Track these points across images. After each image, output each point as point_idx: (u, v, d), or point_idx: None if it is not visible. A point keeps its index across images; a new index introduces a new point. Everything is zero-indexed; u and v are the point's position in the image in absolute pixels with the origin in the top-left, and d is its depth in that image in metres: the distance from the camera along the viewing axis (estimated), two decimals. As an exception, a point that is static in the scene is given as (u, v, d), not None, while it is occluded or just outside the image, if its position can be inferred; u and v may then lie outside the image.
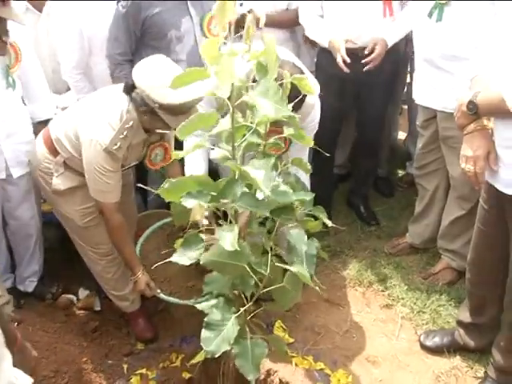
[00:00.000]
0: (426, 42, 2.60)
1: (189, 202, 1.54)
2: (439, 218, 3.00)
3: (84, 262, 2.64)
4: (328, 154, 2.14)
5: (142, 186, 2.01)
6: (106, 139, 2.19)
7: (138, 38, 2.75)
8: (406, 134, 4.17)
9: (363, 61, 2.87)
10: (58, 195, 2.45)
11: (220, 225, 1.63)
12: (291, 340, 2.61)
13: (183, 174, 2.47)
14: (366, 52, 2.87)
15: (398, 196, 3.84)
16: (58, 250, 3.08)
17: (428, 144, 2.89)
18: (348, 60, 2.82)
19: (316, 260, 1.69)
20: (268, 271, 1.57)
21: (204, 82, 1.57)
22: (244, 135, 1.57)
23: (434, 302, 2.85)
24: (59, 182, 2.41)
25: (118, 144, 2.20)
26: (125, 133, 2.21)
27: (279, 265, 1.56)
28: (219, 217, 1.70)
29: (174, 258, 1.59)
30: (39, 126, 2.67)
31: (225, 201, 1.54)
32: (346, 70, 2.84)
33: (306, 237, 1.66)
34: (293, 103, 1.66)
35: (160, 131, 2.22)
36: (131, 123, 2.21)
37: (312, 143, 1.79)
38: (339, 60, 2.85)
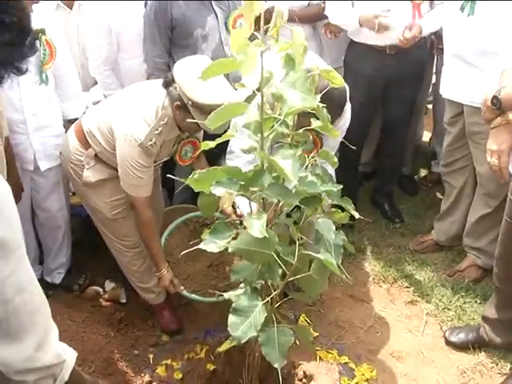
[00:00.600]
0: (456, 36, 2.60)
1: (218, 190, 1.56)
2: (465, 215, 3.00)
3: (110, 254, 2.68)
4: (355, 149, 2.14)
5: (171, 176, 2.03)
6: (141, 135, 2.22)
7: (170, 37, 2.78)
8: (430, 134, 4.15)
9: (398, 38, 2.84)
10: (88, 187, 2.48)
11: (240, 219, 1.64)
12: (315, 334, 2.62)
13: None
14: (403, 30, 2.85)
15: (422, 195, 3.83)
16: (85, 243, 3.13)
17: (455, 141, 2.88)
18: (387, 23, 2.80)
19: (342, 252, 1.71)
20: (295, 260, 1.58)
21: (239, 92, 1.60)
22: (272, 126, 1.59)
23: (459, 299, 2.84)
24: (90, 175, 2.45)
25: (153, 140, 2.23)
26: (160, 129, 2.24)
27: (307, 252, 1.57)
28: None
29: (203, 246, 1.60)
30: (69, 123, 2.71)
31: (254, 189, 1.56)
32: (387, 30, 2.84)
33: (334, 226, 1.67)
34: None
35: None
36: (166, 120, 2.25)
37: (339, 136, 1.80)
38: (379, 24, 2.83)
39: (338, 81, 1.70)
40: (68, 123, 2.72)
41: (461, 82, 2.63)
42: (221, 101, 2.07)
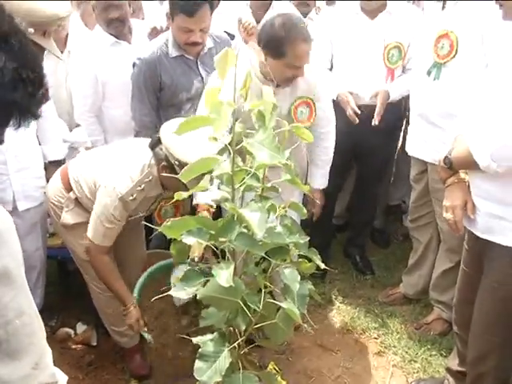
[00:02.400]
0: (422, 98, 2.75)
1: (189, 239, 1.64)
2: (432, 269, 3.09)
3: (83, 296, 2.71)
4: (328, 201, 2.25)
5: (146, 223, 2.10)
6: (123, 189, 2.29)
7: (158, 97, 2.86)
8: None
9: (373, 122, 2.99)
10: (66, 228, 2.55)
11: (217, 259, 1.71)
12: (284, 382, 2.65)
13: None
14: (369, 98, 3.01)
15: (393, 247, 3.94)
16: (57, 284, 3.15)
17: (420, 197, 3.01)
18: (358, 111, 2.96)
19: (308, 301, 1.79)
20: (261, 308, 1.65)
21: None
22: (243, 178, 1.68)
23: (425, 351, 2.90)
24: (68, 217, 2.51)
25: (134, 195, 2.30)
26: (142, 186, 2.31)
27: (271, 301, 1.64)
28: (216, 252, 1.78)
29: (173, 292, 1.67)
30: (49, 165, 2.78)
31: (222, 239, 1.64)
32: (356, 121, 2.99)
33: (299, 277, 1.75)
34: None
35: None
36: (150, 178, 2.33)
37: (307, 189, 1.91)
38: (350, 113, 2.99)
39: (308, 137, 1.82)
40: (48, 165, 2.79)
41: (425, 141, 2.77)
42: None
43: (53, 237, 2.94)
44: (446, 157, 2.00)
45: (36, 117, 1.05)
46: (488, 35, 2.40)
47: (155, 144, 2.33)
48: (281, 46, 2.37)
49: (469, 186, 2.01)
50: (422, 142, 2.79)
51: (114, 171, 2.34)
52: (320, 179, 2.91)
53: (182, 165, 2.18)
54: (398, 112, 3.30)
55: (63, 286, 3.09)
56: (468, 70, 2.50)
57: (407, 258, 3.34)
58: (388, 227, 4.08)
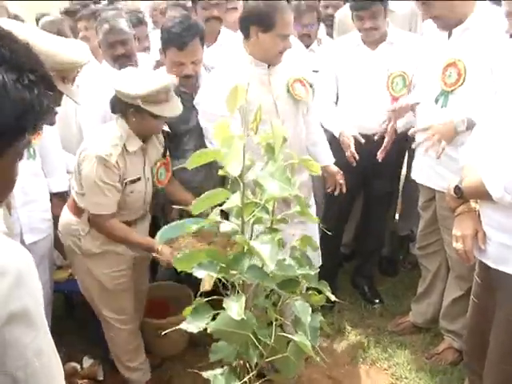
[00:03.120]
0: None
1: (200, 273, 1.63)
2: (441, 298, 3.06)
3: (88, 329, 2.67)
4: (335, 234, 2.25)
5: (153, 255, 2.09)
6: (98, 149, 2.32)
7: None
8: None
9: (379, 158, 3.00)
10: (89, 258, 2.51)
11: (227, 294, 1.70)
12: (293, 416, 2.61)
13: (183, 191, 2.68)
14: (376, 138, 3.02)
15: (401, 276, 3.90)
16: (64, 318, 3.13)
17: (428, 225, 2.99)
18: (357, 157, 2.99)
19: (319, 333, 1.77)
20: (272, 341, 1.63)
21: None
22: (253, 211, 1.68)
23: (436, 382, 2.86)
24: (88, 242, 2.48)
25: (110, 152, 2.31)
26: (114, 142, 2.34)
27: (282, 334, 1.63)
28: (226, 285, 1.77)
29: (183, 326, 1.66)
30: (53, 197, 2.79)
31: (233, 272, 1.64)
32: (354, 164, 3.02)
33: (310, 309, 1.74)
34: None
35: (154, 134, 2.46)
36: (120, 134, 2.36)
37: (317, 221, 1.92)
38: (348, 155, 3.03)
39: (315, 168, 1.83)
40: (52, 196, 2.79)
41: (432, 169, 2.76)
42: (164, 83, 2.28)
43: (60, 270, 2.94)
44: (456, 186, 1.99)
45: (50, 111, 1.04)
46: (497, 66, 2.42)
47: (114, 104, 2.40)
48: (271, 17, 2.48)
49: (479, 215, 2.01)
50: (430, 170, 2.79)
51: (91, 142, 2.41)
52: (325, 155, 2.98)
53: (145, 98, 2.25)
54: (402, 139, 3.31)
55: (69, 320, 3.06)
56: (476, 98, 2.51)
57: (416, 286, 3.31)
58: (395, 255, 4.05)
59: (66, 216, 2.57)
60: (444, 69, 2.60)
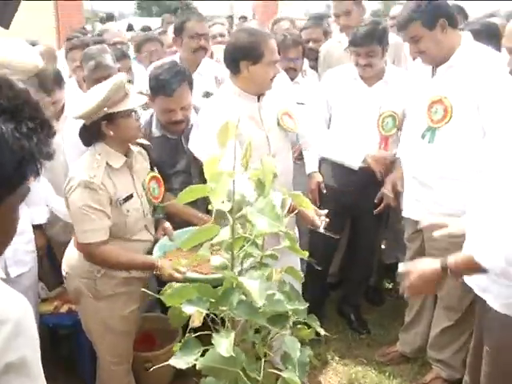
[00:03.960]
0: (416, 161, 2.77)
1: (189, 309, 1.63)
2: (428, 327, 3.06)
3: (73, 364, 2.62)
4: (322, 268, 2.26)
5: (144, 290, 2.06)
6: (80, 174, 2.27)
7: None
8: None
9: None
10: (102, 300, 2.43)
11: (216, 328, 1.70)
12: None
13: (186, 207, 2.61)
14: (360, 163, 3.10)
15: (388, 305, 3.91)
16: (48, 351, 3.07)
17: (415, 256, 2.98)
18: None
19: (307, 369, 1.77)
20: (261, 377, 1.62)
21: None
22: (243, 246, 1.69)
23: (425, 413, 2.85)
24: (105, 283, 2.41)
25: (92, 173, 2.26)
26: (96, 164, 2.29)
27: (271, 370, 1.62)
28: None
29: (172, 362, 1.64)
30: (35, 229, 2.79)
31: (222, 308, 1.63)
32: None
33: (299, 344, 1.74)
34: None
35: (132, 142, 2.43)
36: (97, 155, 2.32)
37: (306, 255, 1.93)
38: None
39: (306, 204, 1.85)
40: (34, 228, 2.79)
41: (418, 201, 2.80)
42: (115, 81, 2.25)
43: (44, 302, 2.90)
44: (442, 268, 1.85)
45: (50, 157, 1.03)
46: (484, 103, 2.46)
47: (84, 135, 2.38)
48: (258, 48, 2.54)
49: None
50: (415, 202, 2.82)
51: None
52: (314, 161, 3.27)
53: (110, 104, 2.24)
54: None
55: (53, 354, 3.01)
56: (463, 135, 2.56)
57: (403, 316, 3.31)
58: (381, 284, 4.06)
59: (76, 256, 2.44)
60: (429, 105, 2.64)
